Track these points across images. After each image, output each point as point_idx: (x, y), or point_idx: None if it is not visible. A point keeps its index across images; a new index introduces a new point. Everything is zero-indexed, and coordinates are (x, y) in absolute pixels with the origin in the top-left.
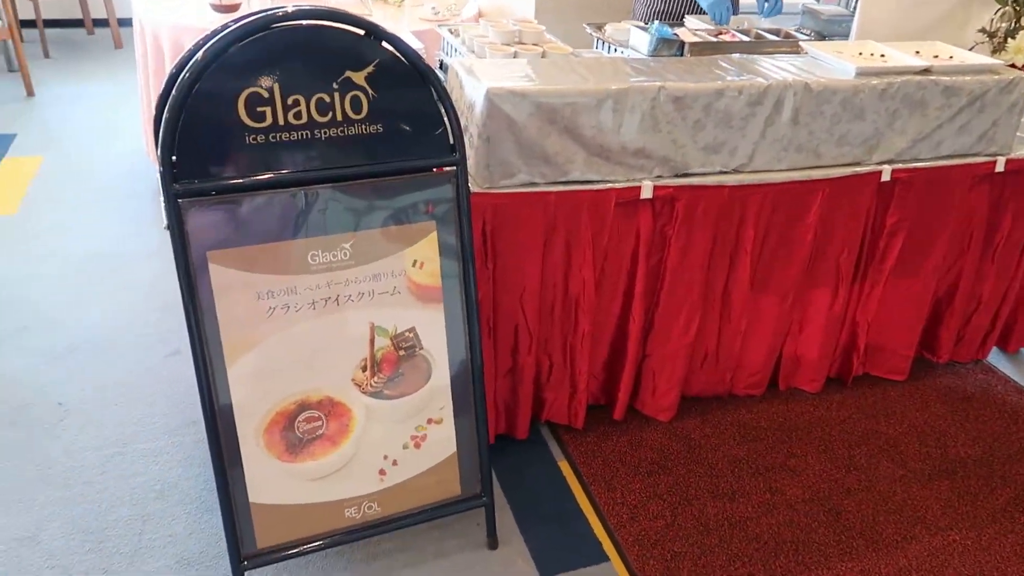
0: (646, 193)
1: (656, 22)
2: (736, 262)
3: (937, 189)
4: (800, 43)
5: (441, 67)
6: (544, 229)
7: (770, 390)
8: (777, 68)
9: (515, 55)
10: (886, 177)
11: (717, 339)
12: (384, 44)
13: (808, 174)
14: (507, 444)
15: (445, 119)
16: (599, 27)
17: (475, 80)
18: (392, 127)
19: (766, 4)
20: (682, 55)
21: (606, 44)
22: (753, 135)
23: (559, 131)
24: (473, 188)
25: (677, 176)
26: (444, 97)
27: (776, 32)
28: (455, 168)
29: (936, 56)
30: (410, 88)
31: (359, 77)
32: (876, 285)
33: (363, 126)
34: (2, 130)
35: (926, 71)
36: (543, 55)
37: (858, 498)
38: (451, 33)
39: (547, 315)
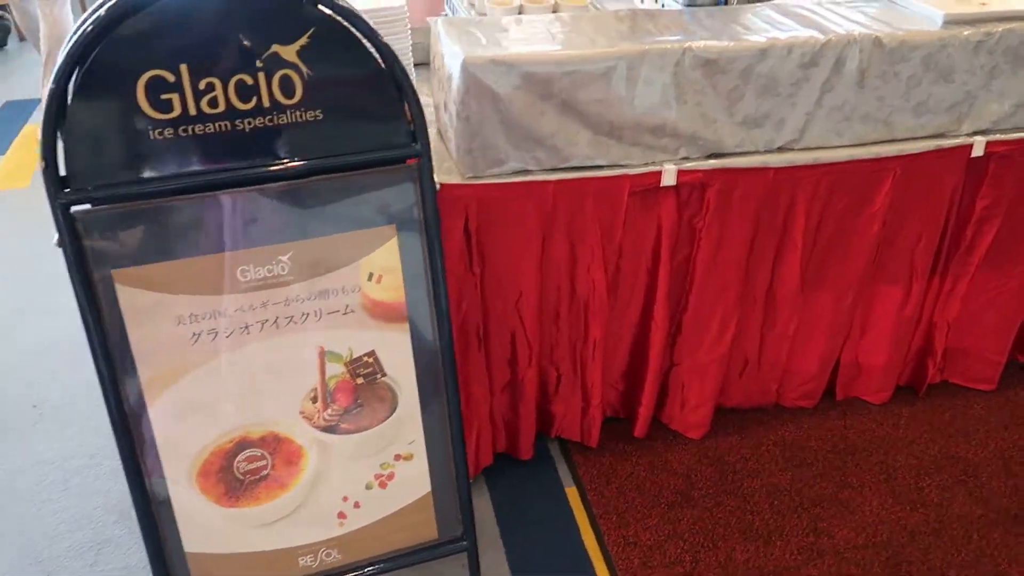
0: (668, 179)
1: None
2: (783, 257)
3: None
4: None
5: None
6: (542, 224)
7: (825, 401)
8: (843, 19)
9: (520, 10)
10: (978, 152)
11: (759, 345)
12: (321, 7)
13: (876, 151)
14: (508, 465)
15: (402, 101)
16: None
17: (452, 45)
18: (335, 113)
19: None
20: (726, 2)
21: None
22: (806, 104)
23: (556, 107)
24: (453, 179)
25: (708, 157)
26: (400, 74)
27: None
28: (416, 160)
29: None
30: (356, 63)
31: (289, 52)
32: (960, 280)
33: (297, 113)
34: (28, 95)
35: None
36: (555, 9)
37: (925, 543)
38: None
39: (550, 322)
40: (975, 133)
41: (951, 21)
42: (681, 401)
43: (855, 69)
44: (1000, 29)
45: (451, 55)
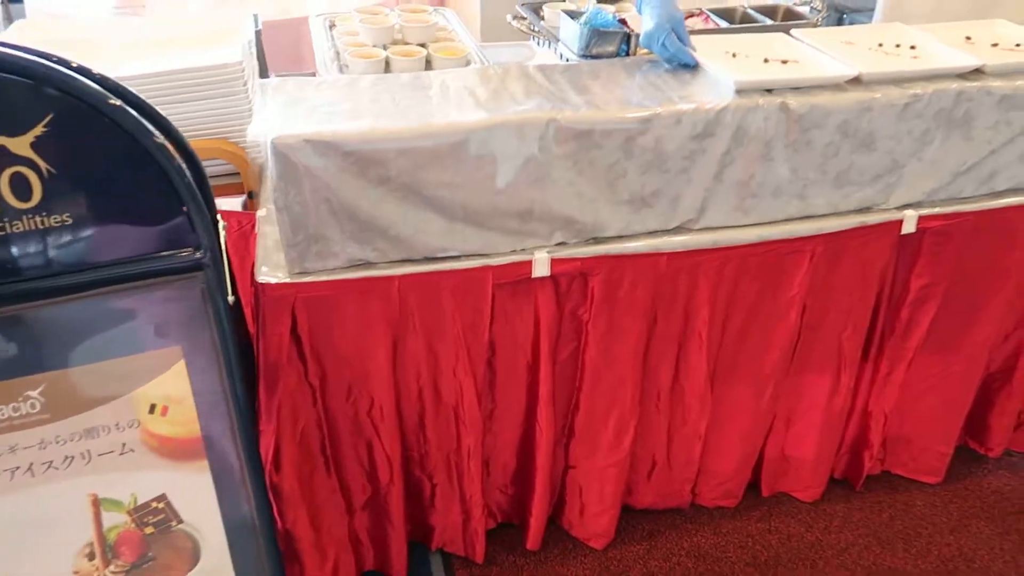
0: (541, 270)
1: (588, 7)
2: (688, 350)
3: (987, 239)
4: (797, 30)
5: None
6: (391, 324)
7: (750, 498)
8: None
9: (387, 64)
10: (910, 228)
11: (668, 444)
12: (60, 90)
13: (790, 229)
14: None
15: (178, 196)
16: (537, 9)
17: (268, 118)
18: (88, 215)
19: None
20: (628, 53)
21: (543, 37)
22: (703, 179)
23: (396, 191)
24: (277, 278)
25: (589, 242)
26: (169, 164)
27: (772, 10)
28: (200, 266)
29: (995, 45)
30: (116, 151)
31: (20, 145)
32: (897, 366)
33: (37, 219)
34: None
35: (975, 72)
36: (428, 62)
37: None
38: (328, 26)
39: (415, 430)
40: (906, 206)
41: (872, 80)
42: (580, 507)
43: (759, 139)
44: (931, 89)
45: (264, 131)
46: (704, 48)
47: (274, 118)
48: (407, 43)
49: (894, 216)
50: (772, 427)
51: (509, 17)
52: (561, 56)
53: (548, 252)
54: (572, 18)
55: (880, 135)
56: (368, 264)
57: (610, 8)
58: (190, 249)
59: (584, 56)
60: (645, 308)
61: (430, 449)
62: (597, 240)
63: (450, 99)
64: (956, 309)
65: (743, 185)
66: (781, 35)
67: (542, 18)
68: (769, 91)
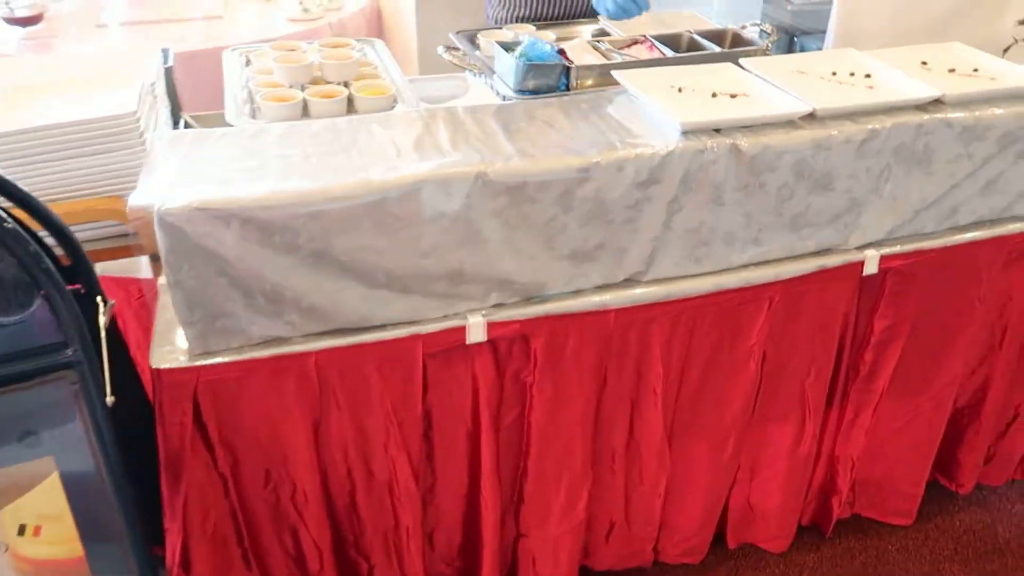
0: (476, 335)
1: (525, 36)
2: (642, 409)
3: (951, 275)
4: (746, 59)
5: None
6: (309, 403)
7: (716, 552)
8: None
9: (305, 107)
10: (872, 268)
11: (625, 504)
12: None
13: (746, 276)
14: None
15: (37, 286)
16: (473, 38)
17: (154, 180)
18: None
19: None
20: (568, 87)
21: (478, 70)
22: (650, 229)
23: (307, 259)
24: (175, 361)
25: (529, 301)
26: (24, 251)
27: (720, 35)
28: (69, 364)
29: (952, 71)
30: None
31: None
32: (864, 409)
33: None
34: None
35: (935, 103)
36: (349, 102)
37: None
38: (243, 62)
39: (345, 511)
40: (866, 246)
41: (826, 115)
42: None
43: (709, 184)
44: (889, 124)
45: (150, 198)
46: (647, 82)
47: (163, 181)
48: (328, 82)
49: (855, 257)
50: (736, 478)
51: (441, 49)
52: (497, 92)
53: (484, 315)
54: (507, 50)
55: (837, 174)
56: (281, 340)
57: (549, 36)
58: (56, 346)
59: (520, 92)
60: (594, 367)
61: (365, 529)
62: (538, 299)
63: (369, 151)
64: (922, 348)
65: (693, 233)
66: (729, 66)
67: (477, 47)
68: (718, 131)
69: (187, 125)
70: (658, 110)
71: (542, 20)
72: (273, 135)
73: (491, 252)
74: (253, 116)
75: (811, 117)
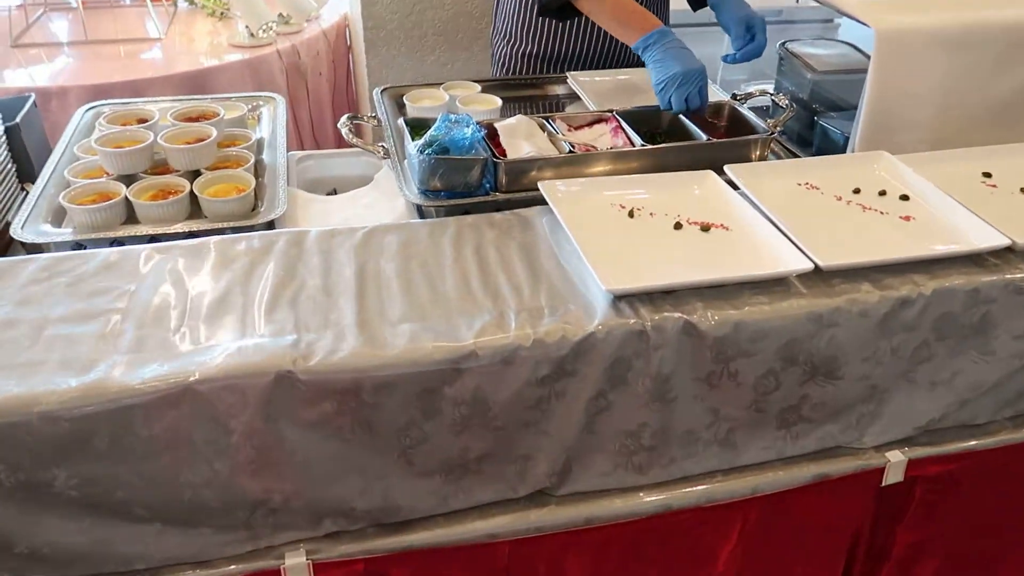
0: None
1: (455, 102)
2: None
3: (1009, 479)
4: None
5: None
6: None
7: None
8: None
9: (128, 208)
10: (895, 477)
11: None
12: None
13: (709, 491)
14: None
15: None
16: (400, 98)
17: None
18: None
19: (741, 39)
20: (493, 188)
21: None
22: (563, 433)
23: (12, 493)
24: None
25: (382, 530)
26: None
27: (716, 111)
28: None
29: None
30: None
31: None
32: None
33: None
34: None
35: (1004, 252)
36: (195, 201)
37: None
38: (93, 127)
39: None
40: (888, 445)
41: (831, 270)
42: None
43: (651, 375)
44: (929, 289)
45: None
46: (586, 197)
47: None
48: (175, 170)
49: (871, 462)
50: None
51: (343, 120)
52: (401, 187)
53: (308, 554)
54: (415, 130)
55: (848, 358)
56: None
57: (491, 103)
58: None
59: (424, 193)
60: None
61: None
62: (393, 527)
63: (137, 317)
64: (963, 569)
65: (630, 436)
66: (709, 176)
67: (403, 115)
68: (669, 293)
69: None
70: (582, 260)
71: (552, 60)
72: (27, 274)
73: (314, 475)
74: (58, 222)
75: (814, 274)
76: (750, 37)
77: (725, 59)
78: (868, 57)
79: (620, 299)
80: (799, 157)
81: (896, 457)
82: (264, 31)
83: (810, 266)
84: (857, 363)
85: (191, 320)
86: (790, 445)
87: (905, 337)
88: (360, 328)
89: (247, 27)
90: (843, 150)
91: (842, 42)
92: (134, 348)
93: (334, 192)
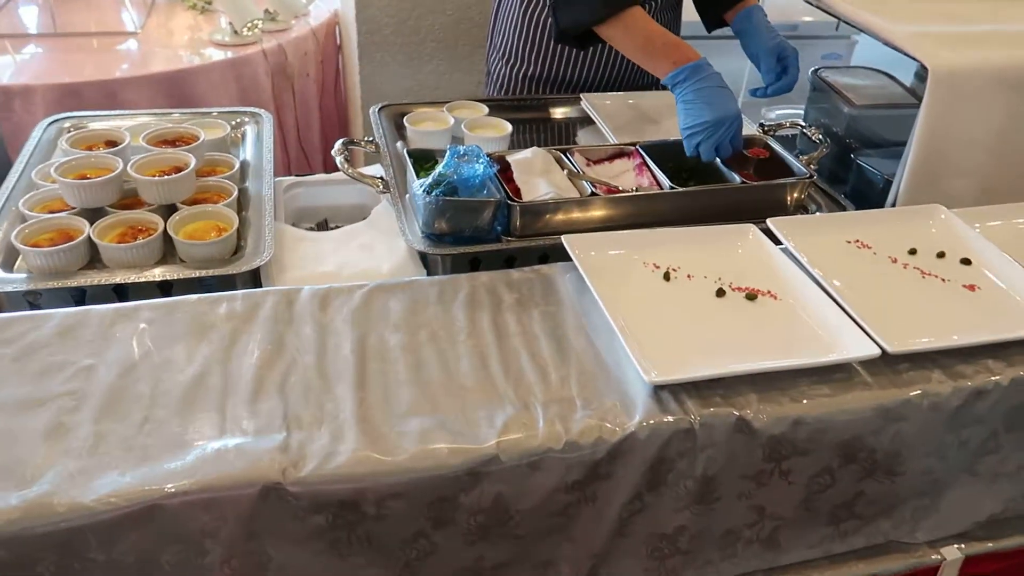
0: None
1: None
2: None
3: None
4: (775, 219)
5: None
6: None
7: None
8: None
9: (91, 250)
10: (950, 574)
11: None
12: None
13: None
14: None
15: None
16: (400, 120)
17: None
18: None
19: (772, 72)
20: (506, 231)
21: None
22: (590, 539)
23: None
24: None
25: None
26: None
27: (747, 144)
28: None
29: None
30: None
31: None
32: None
33: None
34: None
35: None
36: (168, 241)
37: None
38: (59, 144)
39: None
40: (943, 541)
41: (897, 355)
42: None
43: (695, 476)
44: (1007, 379)
45: None
46: (618, 257)
47: None
48: (147, 204)
49: (924, 559)
50: None
51: (336, 147)
52: (402, 228)
53: None
54: (419, 163)
55: (913, 453)
56: None
57: (501, 129)
58: None
59: (428, 236)
60: None
61: None
62: None
63: (95, 408)
64: None
65: (665, 539)
66: (750, 232)
67: (402, 138)
68: (719, 380)
69: None
70: (617, 339)
71: (558, 84)
72: None
73: None
74: (9, 264)
75: (879, 359)
76: (781, 69)
77: (754, 93)
78: (907, 89)
79: (662, 387)
80: (836, 199)
81: (952, 554)
82: (249, 29)
83: (877, 352)
84: (920, 458)
85: (160, 409)
86: (838, 543)
87: (975, 430)
88: (361, 424)
89: (230, 24)
90: (881, 191)
91: (877, 71)
92: (90, 450)
93: (325, 223)
